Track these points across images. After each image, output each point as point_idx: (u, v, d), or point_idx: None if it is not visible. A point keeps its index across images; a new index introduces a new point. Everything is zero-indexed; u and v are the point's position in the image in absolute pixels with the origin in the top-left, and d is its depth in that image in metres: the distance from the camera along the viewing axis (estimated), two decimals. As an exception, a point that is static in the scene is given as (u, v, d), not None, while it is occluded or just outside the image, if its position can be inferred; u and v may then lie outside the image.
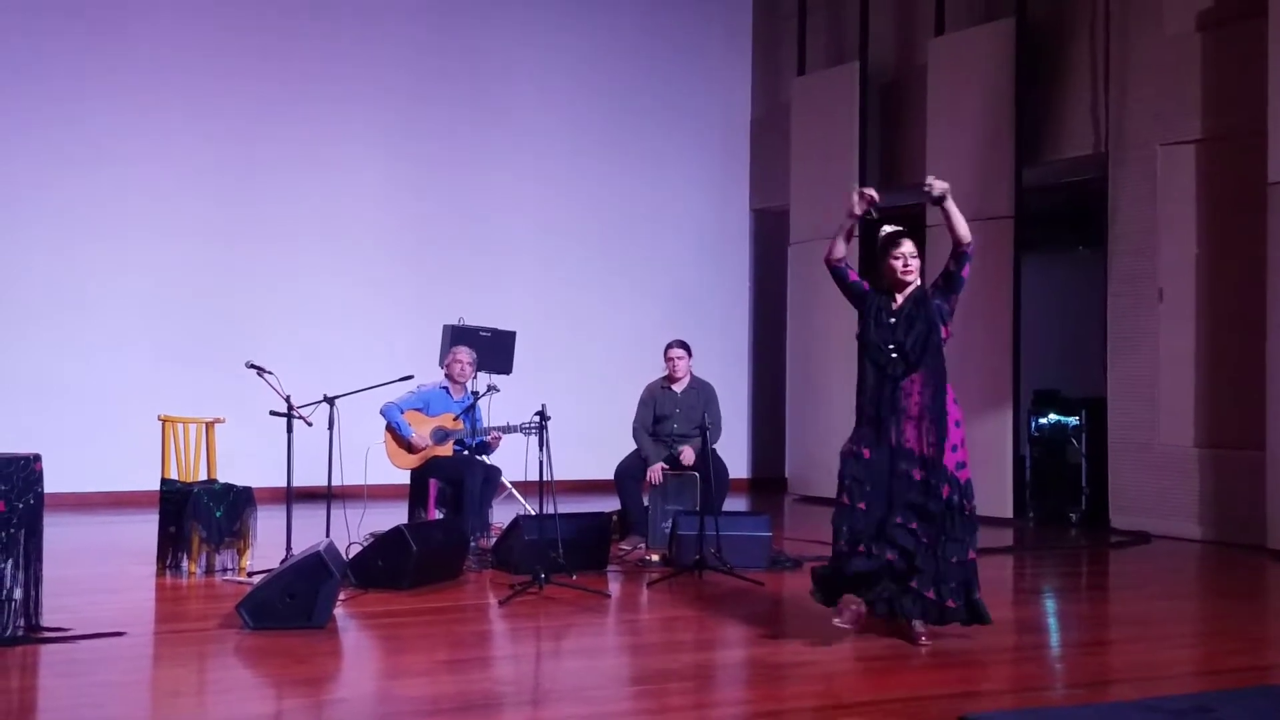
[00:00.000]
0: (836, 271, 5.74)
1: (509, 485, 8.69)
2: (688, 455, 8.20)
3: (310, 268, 11.57)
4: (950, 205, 5.52)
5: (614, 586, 7.05)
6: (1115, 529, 9.71)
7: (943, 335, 5.61)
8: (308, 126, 11.63)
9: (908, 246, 5.66)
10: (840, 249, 5.70)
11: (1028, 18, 10.50)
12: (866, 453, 5.54)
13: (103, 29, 11.01)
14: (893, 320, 5.58)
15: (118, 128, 10.98)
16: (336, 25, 11.84)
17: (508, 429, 8.02)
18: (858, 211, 5.61)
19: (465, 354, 8.57)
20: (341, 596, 6.12)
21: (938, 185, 5.52)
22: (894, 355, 5.53)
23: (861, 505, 5.50)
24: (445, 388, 8.49)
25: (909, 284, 5.66)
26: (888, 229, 5.79)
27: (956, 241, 5.57)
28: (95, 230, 10.89)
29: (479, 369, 9.40)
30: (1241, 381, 9.02)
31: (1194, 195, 9.43)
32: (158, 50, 11.16)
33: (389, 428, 8.27)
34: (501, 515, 8.44)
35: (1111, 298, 9.98)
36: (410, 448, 8.24)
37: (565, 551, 6.83)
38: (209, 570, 7.12)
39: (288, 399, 7.20)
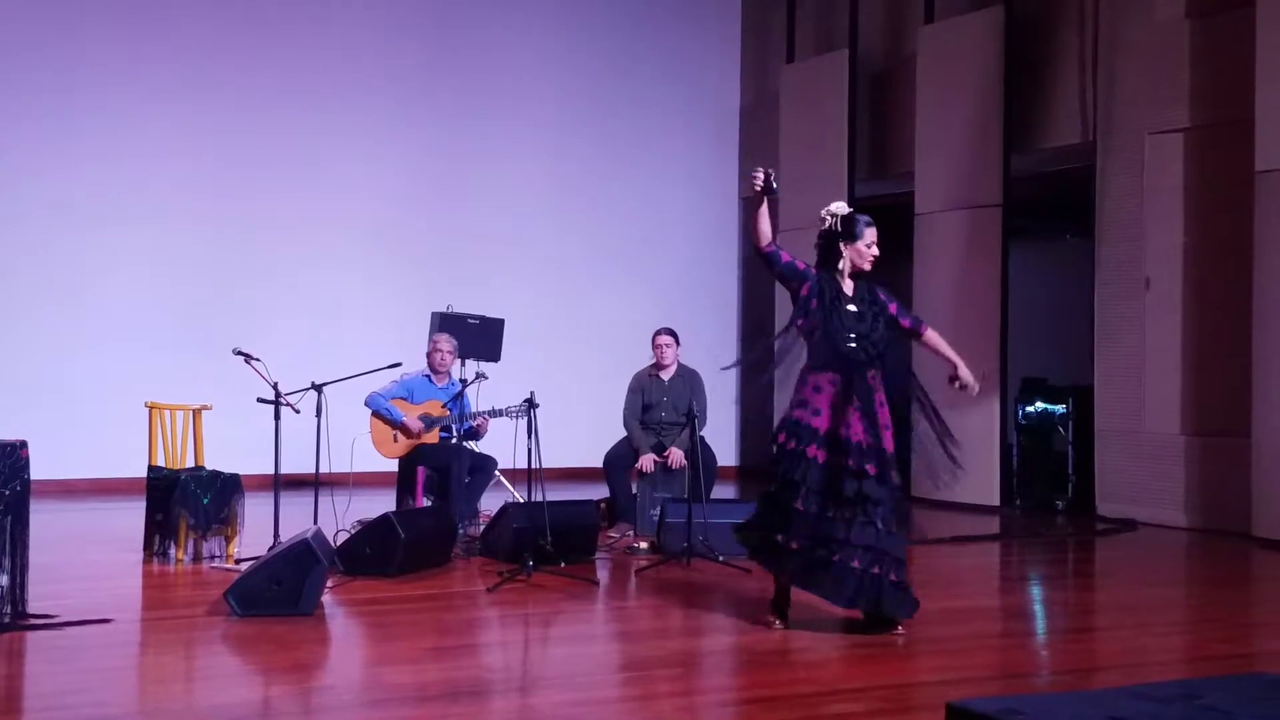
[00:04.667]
0: (771, 256, 5.51)
1: (499, 474, 8.68)
2: (675, 458, 8.18)
3: (298, 255, 11.52)
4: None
5: (602, 574, 7.05)
6: (1101, 516, 9.73)
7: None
8: (296, 115, 11.58)
9: (874, 234, 5.55)
10: (768, 232, 5.52)
11: (1016, 6, 10.49)
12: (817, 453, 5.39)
13: (93, 21, 10.93)
14: (855, 309, 5.48)
15: (105, 117, 10.91)
16: (328, 15, 11.78)
17: (494, 413, 7.99)
18: (759, 189, 5.37)
19: (446, 341, 8.51)
20: (329, 584, 6.12)
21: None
22: (853, 345, 5.44)
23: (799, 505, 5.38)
24: (428, 375, 8.45)
25: (865, 271, 5.57)
26: (842, 208, 5.60)
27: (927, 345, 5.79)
28: (81, 218, 10.83)
29: (468, 356, 9.39)
30: (1228, 370, 9.04)
31: (1181, 184, 9.45)
32: (146, 41, 11.08)
33: (375, 416, 8.23)
34: (490, 503, 8.44)
35: (1099, 286, 10.00)
36: (404, 431, 8.21)
37: (553, 539, 6.83)
38: (196, 557, 7.09)
39: (275, 386, 7.17)
